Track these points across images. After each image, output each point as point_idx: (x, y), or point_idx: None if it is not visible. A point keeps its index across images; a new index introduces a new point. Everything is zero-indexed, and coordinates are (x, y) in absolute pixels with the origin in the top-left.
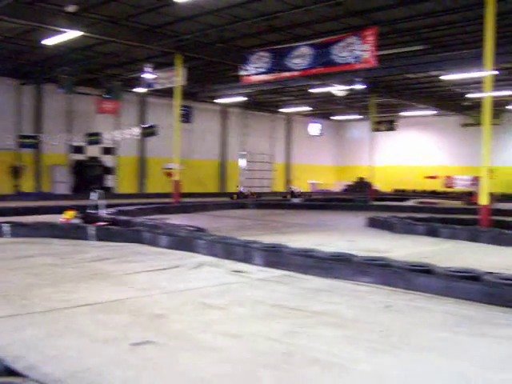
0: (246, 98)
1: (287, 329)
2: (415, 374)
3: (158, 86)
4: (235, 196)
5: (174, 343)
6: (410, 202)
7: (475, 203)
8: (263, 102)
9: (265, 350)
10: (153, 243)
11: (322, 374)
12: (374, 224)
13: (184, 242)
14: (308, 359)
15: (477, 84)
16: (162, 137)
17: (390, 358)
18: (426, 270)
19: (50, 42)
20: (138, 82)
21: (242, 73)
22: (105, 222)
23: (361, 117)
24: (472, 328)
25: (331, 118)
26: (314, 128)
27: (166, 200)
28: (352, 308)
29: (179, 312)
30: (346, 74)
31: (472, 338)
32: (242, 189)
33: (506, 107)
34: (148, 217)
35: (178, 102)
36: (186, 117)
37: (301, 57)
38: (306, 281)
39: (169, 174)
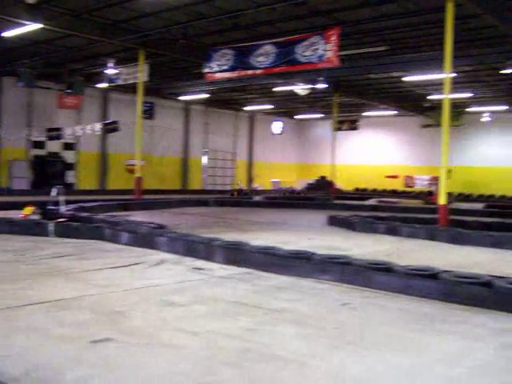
0: (209, 96)
1: (247, 326)
2: (370, 369)
3: (120, 82)
4: (236, 193)
5: (134, 341)
6: (371, 201)
7: (434, 202)
8: (227, 100)
9: (224, 347)
10: (113, 240)
11: (280, 370)
12: (336, 222)
13: (145, 239)
14: (267, 356)
15: (437, 86)
16: (125, 133)
17: (347, 355)
18: (385, 268)
19: (9, 34)
20: (101, 77)
21: (206, 70)
22: (65, 218)
23: (323, 116)
24: (428, 325)
25: (294, 116)
26: (277, 126)
27: (128, 197)
28: (311, 305)
29: (139, 309)
30: (309, 73)
31: (427, 334)
32: (241, 186)
33: (466, 109)
34: (109, 213)
35: (140, 98)
36: (149, 113)
37: (264, 55)
38: (267, 278)
39: (131, 171)
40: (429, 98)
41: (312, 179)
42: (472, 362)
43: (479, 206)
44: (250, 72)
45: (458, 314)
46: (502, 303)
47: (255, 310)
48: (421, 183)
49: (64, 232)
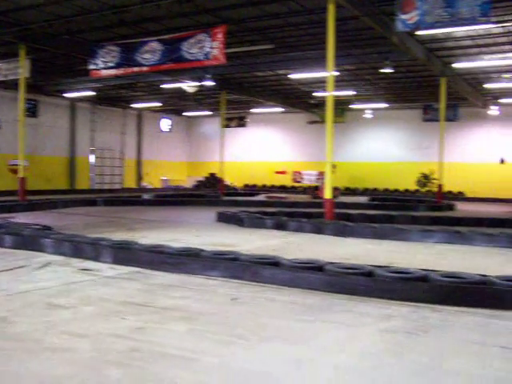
0: (95, 93)
1: (135, 325)
2: (260, 361)
3: (0, 78)
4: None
5: (18, 346)
6: (260, 197)
7: (320, 197)
8: (114, 97)
9: (112, 347)
10: None
11: (169, 367)
12: (224, 219)
13: (29, 241)
14: (156, 354)
15: (321, 83)
16: (7, 131)
17: (237, 348)
18: (272, 263)
19: None
20: None
21: (91, 67)
22: None
23: (212, 113)
24: (315, 316)
25: (183, 113)
26: (166, 124)
27: (12, 198)
28: (200, 302)
29: (24, 314)
30: (196, 71)
31: (314, 324)
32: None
33: (350, 106)
34: None
35: (22, 95)
36: (32, 111)
37: (151, 52)
38: (156, 277)
39: (14, 171)
40: (314, 95)
41: (201, 176)
42: (356, 348)
43: (364, 199)
44: (136, 69)
45: (343, 303)
46: (383, 291)
47: (144, 309)
48: (308, 178)
49: None
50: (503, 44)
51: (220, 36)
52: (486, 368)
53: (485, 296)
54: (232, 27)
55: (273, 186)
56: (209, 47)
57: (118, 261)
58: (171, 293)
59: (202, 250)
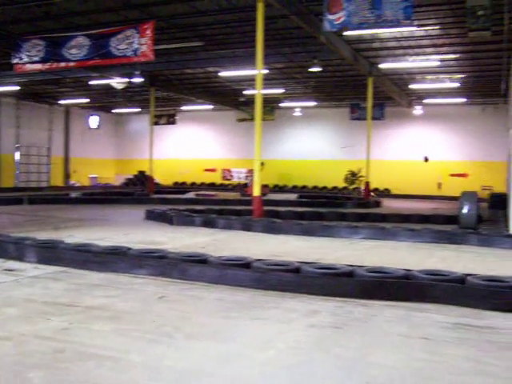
0: (20, 88)
1: (60, 326)
2: (187, 359)
3: None
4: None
5: None
6: (190, 195)
7: (250, 194)
8: (40, 93)
9: (36, 349)
10: None
11: (96, 368)
12: (153, 217)
13: None
14: (81, 355)
15: (251, 81)
16: None
17: (164, 348)
18: (200, 260)
19: None
20: None
21: (15, 61)
22: None
23: (141, 110)
24: (243, 312)
25: (112, 110)
26: (94, 121)
27: None
28: (127, 301)
29: None
30: (125, 67)
31: (242, 321)
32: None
33: (279, 104)
34: None
35: None
36: None
37: (77, 47)
38: (82, 276)
39: None
40: (244, 92)
41: (131, 174)
42: (284, 343)
43: (293, 196)
44: (62, 64)
45: (271, 300)
46: (311, 287)
47: (70, 309)
48: (238, 176)
49: None
50: (426, 46)
51: (149, 32)
52: (408, 359)
53: (408, 290)
54: (161, 23)
55: (202, 184)
56: (137, 43)
57: (43, 260)
58: (97, 292)
59: (130, 249)
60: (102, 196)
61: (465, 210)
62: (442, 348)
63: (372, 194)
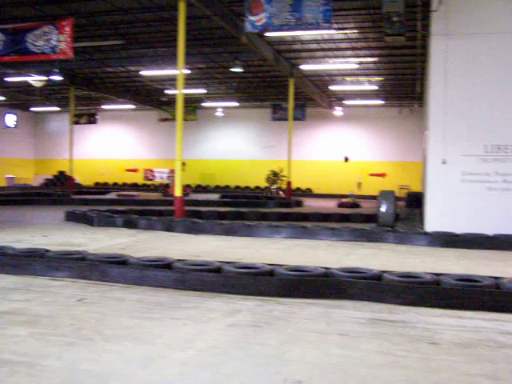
0: None
1: None
2: (105, 363)
3: None
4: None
5: None
6: (112, 195)
7: (172, 195)
8: None
9: None
10: None
11: (10, 375)
12: (74, 218)
13: None
14: None
15: (173, 81)
16: None
17: (82, 351)
18: (121, 261)
19: None
20: None
21: None
22: None
23: (61, 109)
24: (163, 313)
25: (30, 109)
26: (10, 119)
27: None
28: (45, 304)
29: None
30: (43, 64)
31: (163, 322)
32: None
33: (202, 104)
34: None
35: None
36: None
37: None
38: None
39: None
40: (166, 92)
41: (50, 175)
42: (204, 343)
43: (215, 196)
44: None
45: (191, 300)
46: (231, 287)
47: None
48: (160, 176)
49: None
50: (346, 49)
51: (68, 29)
52: (325, 355)
53: (327, 287)
54: (81, 21)
55: (124, 184)
56: (56, 40)
57: None
58: (13, 296)
59: (48, 251)
60: (19, 197)
61: (383, 209)
62: (358, 343)
63: (281, 192)
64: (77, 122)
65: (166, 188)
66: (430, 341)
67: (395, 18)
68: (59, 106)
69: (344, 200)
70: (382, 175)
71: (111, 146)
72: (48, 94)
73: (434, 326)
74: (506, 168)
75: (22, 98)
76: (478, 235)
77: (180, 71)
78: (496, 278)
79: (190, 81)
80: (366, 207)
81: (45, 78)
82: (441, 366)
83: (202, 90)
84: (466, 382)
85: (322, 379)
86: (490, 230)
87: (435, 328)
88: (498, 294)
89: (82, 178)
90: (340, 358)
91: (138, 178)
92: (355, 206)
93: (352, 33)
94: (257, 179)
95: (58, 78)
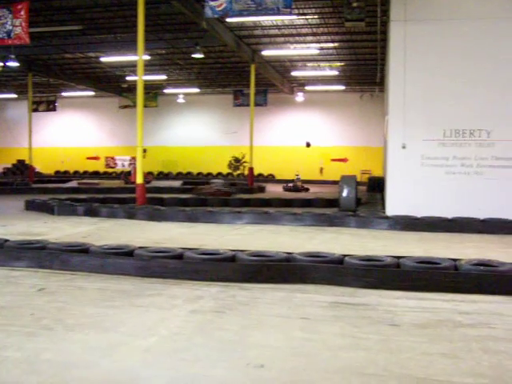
0: None
1: None
2: (66, 352)
3: None
4: None
5: None
6: (73, 184)
7: (133, 182)
8: None
9: None
10: None
11: None
12: (33, 207)
13: None
14: None
15: (133, 67)
16: None
17: (43, 341)
18: (82, 250)
19: None
20: None
21: None
22: None
23: (18, 96)
24: (126, 301)
25: None
26: None
27: None
28: (4, 295)
29: None
30: None
31: (125, 310)
32: None
33: (163, 90)
34: None
35: None
36: None
37: None
38: None
39: None
40: (127, 79)
41: (9, 164)
42: (167, 329)
43: (178, 183)
44: None
45: (154, 287)
46: (194, 273)
47: None
48: (122, 163)
49: None
50: (306, 35)
51: (23, 13)
52: (288, 338)
53: (289, 272)
54: (37, 4)
55: (86, 172)
56: (11, 25)
57: None
58: None
59: (7, 240)
60: None
61: (344, 194)
62: (320, 326)
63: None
64: (35, 110)
65: (127, 175)
66: (391, 322)
67: (355, 4)
68: (17, 93)
69: (290, 184)
70: (343, 160)
71: (72, 134)
72: (5, 80)
73: (395, 307)
74: (463, 152)
75: None
76: (437, 218)
77: (140, 57)
78: (454, 259)
79: (150, 67)
80: (328, 192)
81: (0, 64)
82: (401, 347)
83: (163, 77)
84: (424, 361)
85: (284, 362)
86: (449, 213)
87: (396, 310)
88: (456, 275)
89: (42, 166)
90: (302, 341)
91: (100, 166)
92: (300, 189)
93: (312, 18)
94: (219, 166)
95: (14, 64)
